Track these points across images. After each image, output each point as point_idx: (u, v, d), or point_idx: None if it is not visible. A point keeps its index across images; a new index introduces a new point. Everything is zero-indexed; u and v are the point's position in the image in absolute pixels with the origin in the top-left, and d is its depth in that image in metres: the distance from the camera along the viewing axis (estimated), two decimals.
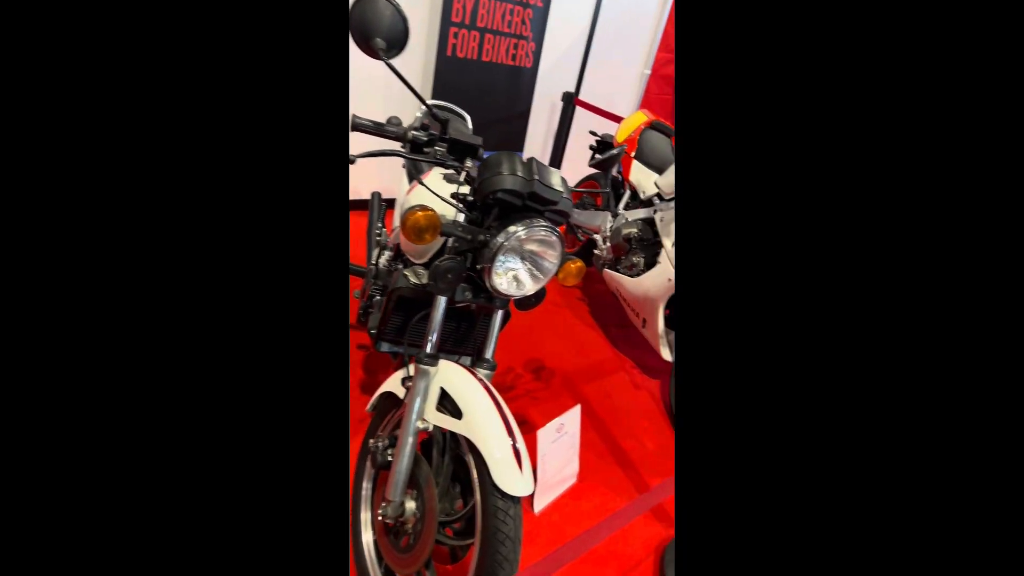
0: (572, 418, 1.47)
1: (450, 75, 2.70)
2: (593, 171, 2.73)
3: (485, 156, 1.01)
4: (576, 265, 1.15)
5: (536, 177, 0.94)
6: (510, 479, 0.87)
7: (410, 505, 1.03)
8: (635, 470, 1.60)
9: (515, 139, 3.28)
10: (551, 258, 1.01)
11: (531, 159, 0.97)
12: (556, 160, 3.47)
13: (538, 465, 1.38)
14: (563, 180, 1.02)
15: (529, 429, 1.66)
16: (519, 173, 0.94)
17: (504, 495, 0.87)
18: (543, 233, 0.96)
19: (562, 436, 1.44)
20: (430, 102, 1.51)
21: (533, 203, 0.96)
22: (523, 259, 1.01)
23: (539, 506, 1.44)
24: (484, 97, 2.90)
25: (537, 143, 3.43)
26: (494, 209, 0.98)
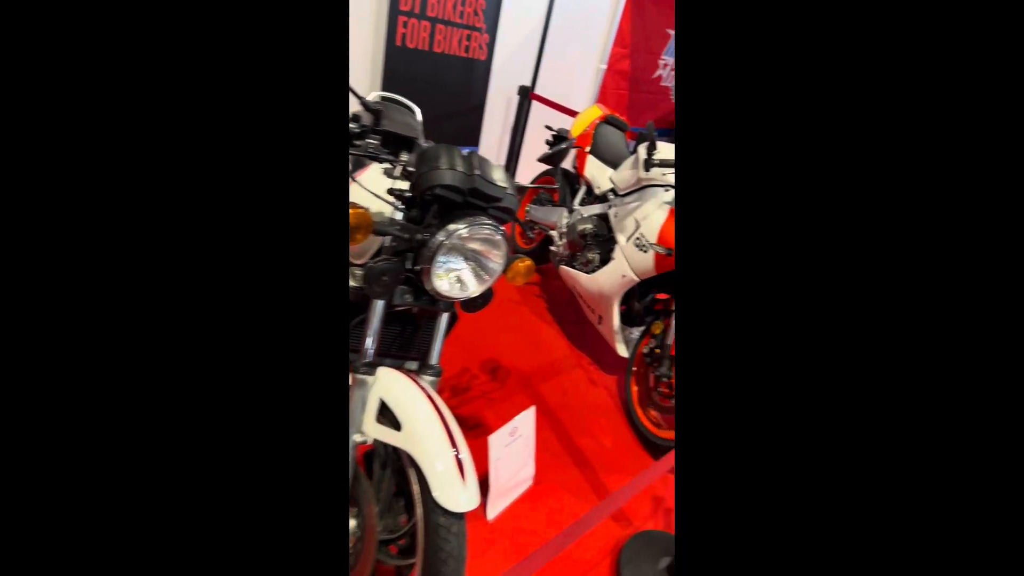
0: (526, 420, 1.43)
1: (400, 66, 2.60)
2: (550, 166, 2.70)
3: (424, 147, 0.95)
4: (525, 264, 1.11)
5: (477, 172, 0.89)
6: (451, 494, 0.82)
7: (350, 524, 0.97)
8: (592, 469, 1.58)
9: (470, 134, 3.21)
10: (496, 258, 0.96)
11: (471, 152, 0.92)
12: (513, 155, 3.42)
13: (491, 471, 1.33)
14: (507, 175, 0.97)
15: (484, 432, 1.61)
16: (459, 167, 0.88)
17: (446, 512, 0.82)
18: (487, 231, 0.91)
19: (516, 440, 1.40)
20: (377, 93, 1.43)
21: (475, 199, 0.91)
22: (466, 259, 0.96)
23: (492, 513, 1.40)
24: (437, 90, 2.82)
25: (493, 138, 3.37)
26: (433, 206, 0.92)
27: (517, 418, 1.37)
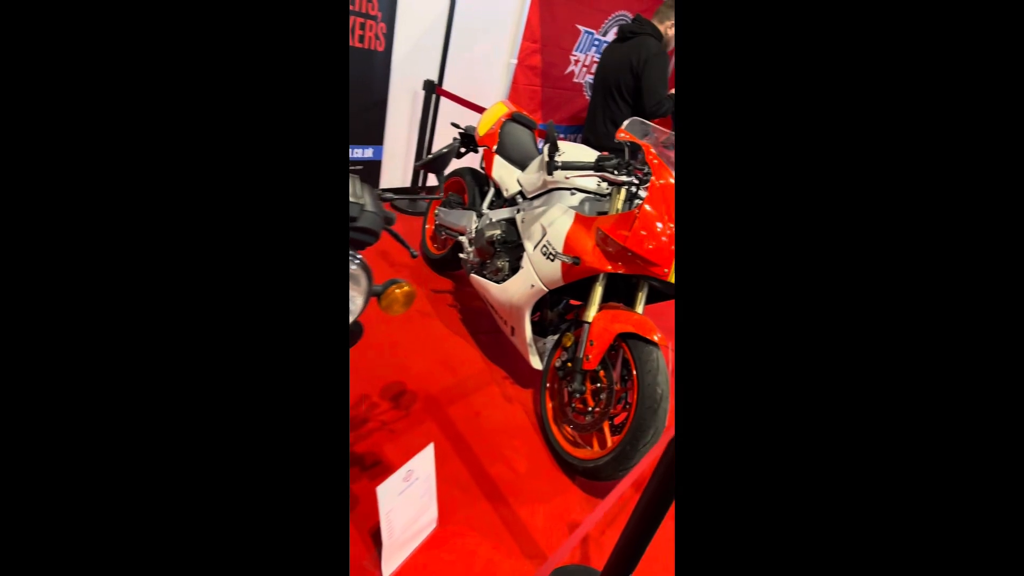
0: (423, 461, 1.27)
1: None
2: (459, 166, 2.54)
3: None
4: (403, 291, 0.95)
5: None
6: None
7: None
8: (504, 502, 1.46)
9: (373, 131, 2.97)
10: (353, 293, 0.80)
11: None
12: (421, 154, 3.22)
13: (382, 525, 1.16)
14: (367, 187, 0.81)
15: (384, 471, 1.43)
16: None
17: None
18: None
19: (412, 484, 1.24)
20: None
21: None
22: None
23: (389, 569, 1.23)
24: None
25: (400, 135, 3.15)
26: None
27: (412, 460, 1.21)
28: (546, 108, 3.81)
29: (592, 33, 3.80)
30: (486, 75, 3.45)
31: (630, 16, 3.84)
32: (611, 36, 3.68)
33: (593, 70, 3.64)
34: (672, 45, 2.52)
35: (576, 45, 3.79)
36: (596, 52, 3.88)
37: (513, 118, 2.25)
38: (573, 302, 1.94)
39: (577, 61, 3.85)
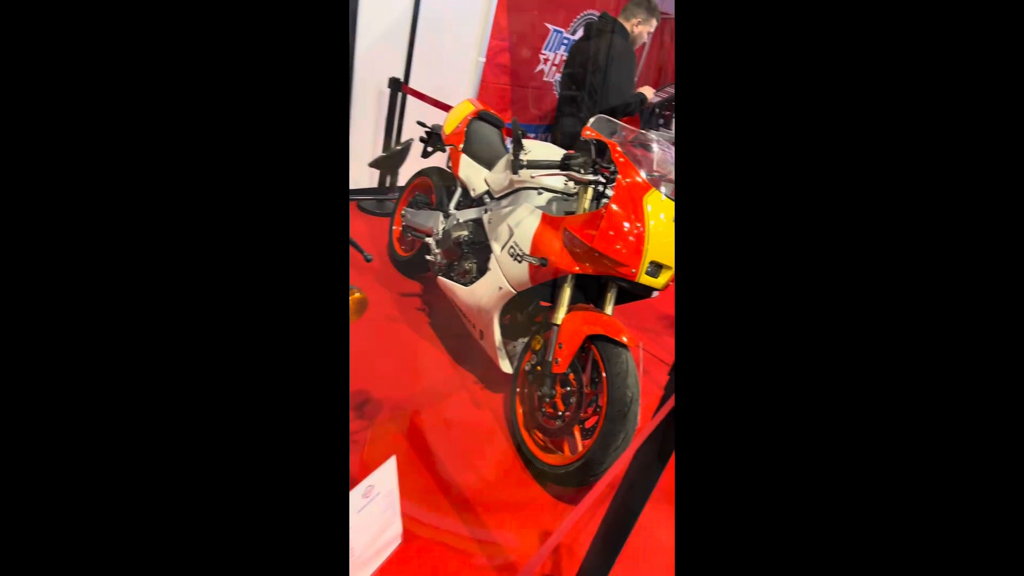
0: (384, 475, 1.21)
1: None
2: (427, 165, 2.48)
3: None
4: (353, 298, 0.89)
5: None
6: None
7: None
8: (473, 512, 1.41)
9: None
10: None
11: None
12: None
13: None
14: None
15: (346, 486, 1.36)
16: None
17: None
18: None
19: (373, 500, 1.18)
20: None
21: None
22: None
23: None
24: None
25: (365, 134, 3.07)
26: None
27: (372, 475, 1.15)
28: (516, 107, 3.77)
29: (561, 32, 3.78)
30: (454, 73, 3.39)
31: (597, 14, 3.84)
32: (580, 34, 3.66)
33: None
34: (640, 43, 2.51)
35: (545, 44, 3.77)
36: (565, 50, 3.86)
37: (480, 116, 2.20)
38: (543, 304, 1.91)
39: (546, 60, 3.82)
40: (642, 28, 2.44)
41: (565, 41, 3.84)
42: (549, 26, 3.72)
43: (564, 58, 3.86)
